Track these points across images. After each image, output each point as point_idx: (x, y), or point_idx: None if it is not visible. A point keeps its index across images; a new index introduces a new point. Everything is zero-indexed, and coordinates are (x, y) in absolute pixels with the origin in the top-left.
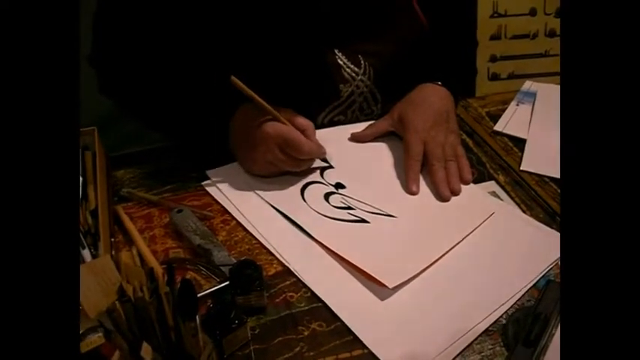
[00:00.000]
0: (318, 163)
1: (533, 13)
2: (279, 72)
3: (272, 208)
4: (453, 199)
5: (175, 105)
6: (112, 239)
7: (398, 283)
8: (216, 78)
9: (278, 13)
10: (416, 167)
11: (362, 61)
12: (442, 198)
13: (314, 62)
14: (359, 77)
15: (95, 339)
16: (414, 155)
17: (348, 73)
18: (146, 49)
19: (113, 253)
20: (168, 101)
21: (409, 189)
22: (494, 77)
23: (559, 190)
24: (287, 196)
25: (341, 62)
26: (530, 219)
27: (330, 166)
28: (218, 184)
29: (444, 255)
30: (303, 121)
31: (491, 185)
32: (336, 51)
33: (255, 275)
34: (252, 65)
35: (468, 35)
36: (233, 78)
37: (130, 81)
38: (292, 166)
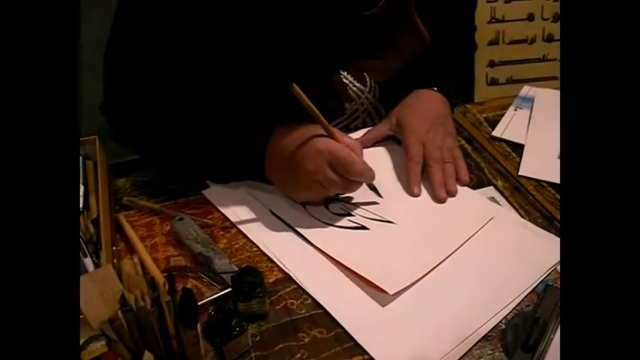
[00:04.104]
0: None
1: (531, 18)
2: (284, 93)
3: (272, 216)
4: (452, 204)
5: (202, 142)
6: (114, 248)
7: (398, 289)
8: (244, 104)
9: (284, 36)
10: (416, 169)
11: (367, 79)
12: (438, 199)
13: (319, 83)
14: (364, 95)
15: (97, 348)
16: (414, 157)
17: (354, 92)
18: (160, 90)
19: (115, 261)
20: (193, 140)
21: (411, 191)
22: (493, 82)
23: (557, 195)
24: (287, 204)
25: (346, 81)
26: (529, 224)
27: (379, 195)
28: (218, 192)
29: (443, 261)
30: (350, 140)
31: (490, 191)
32: (340, 70)
33: (257, 282)
34: (258, 87)
35: (465, 43)
36: (294, 86)
37: (148, 126)
38: (342, 188)
